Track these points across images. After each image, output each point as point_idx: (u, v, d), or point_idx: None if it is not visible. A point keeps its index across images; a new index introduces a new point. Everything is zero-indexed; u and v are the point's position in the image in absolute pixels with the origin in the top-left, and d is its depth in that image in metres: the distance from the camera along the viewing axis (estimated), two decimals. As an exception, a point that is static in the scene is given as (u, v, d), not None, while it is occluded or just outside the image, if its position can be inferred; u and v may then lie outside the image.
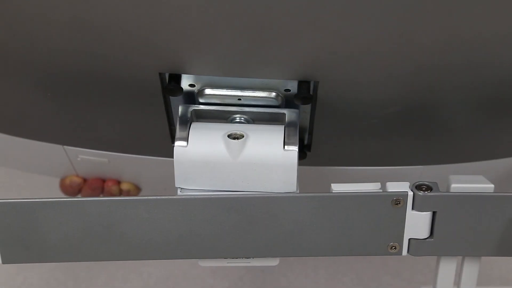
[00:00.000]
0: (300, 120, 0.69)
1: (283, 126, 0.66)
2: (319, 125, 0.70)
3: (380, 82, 0.66)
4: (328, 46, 0.62)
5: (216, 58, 0.64)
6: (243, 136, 0.64)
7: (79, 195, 0.93)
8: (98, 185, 0.91)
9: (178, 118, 0.66)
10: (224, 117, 0.68)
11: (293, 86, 0.66)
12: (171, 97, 0.68)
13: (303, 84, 0.65)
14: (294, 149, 0.64)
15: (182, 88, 0.66)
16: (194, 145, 0.64)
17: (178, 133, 0.65)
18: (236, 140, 0.64)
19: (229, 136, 0.64)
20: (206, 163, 0.64)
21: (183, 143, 0.64)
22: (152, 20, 0.62)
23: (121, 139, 0.77)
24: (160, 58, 0.64)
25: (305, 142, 0.72)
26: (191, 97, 0.68)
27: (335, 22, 0.60)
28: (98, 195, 0.91)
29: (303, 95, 0.65)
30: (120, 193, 0.92)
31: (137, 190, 0.92)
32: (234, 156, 0.64)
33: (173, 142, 0.68)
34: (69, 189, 0.92)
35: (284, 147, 0.64)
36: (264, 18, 0.60)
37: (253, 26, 0.61)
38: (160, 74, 0.65)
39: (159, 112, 0.70)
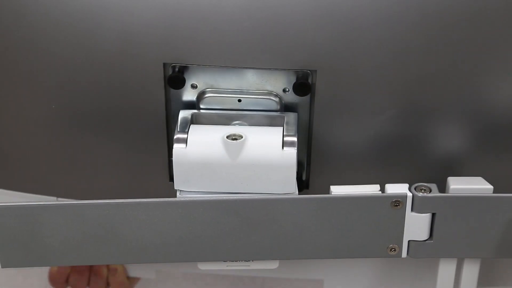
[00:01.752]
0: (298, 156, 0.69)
1: (282, 127, 0.66)
2: (316, 147, 0.71)
3: (376, 74, 0.66)
4: (325, 35, 0.63)
5: (218, 48, 0.65)
6: (242, 137, 0.65)
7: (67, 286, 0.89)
8: (86, 267, 0.88)
9: (178, 122, 0.66)
10: (223, 123, 0.68)
11: (290, 85, 0.67)
12: (172, 107, 0.69)
13: (301, 74, 0.66)
14: (293, 150, 0.64)
15: (184, 79, 0.66)
16: (193, 146, 0.64)
17: (177, 135, 0.65)
18: (234, 141, 0.64)
19: (227, 137, 0.65)
20: (205, 164, 0.64)
21: (182, 145, 0.64)
22: (157, 12, 0.63)
23: (117, 189, 0.76)
24: (164, 49, 0.65)
25: (303, 177, 0.72)
26: (192, 106, 0.69)
27: (330, 13, 0.62)
28: (86, 279, 0.89)
29: (301, 81, 0.66)
30: (108, 272, 0.89)
31: (125, 269, 0.90)
32: (233, 157, 0.64)
33: (171, 180, 0.69)
34: (57, 276, 0.88)
35: (282, 148, 0.64)
36: (262, 9, 0.62)
37: (253, 16, 0.62)
38: (164, 64, 0.66)
39: (159, 139, 0.70)
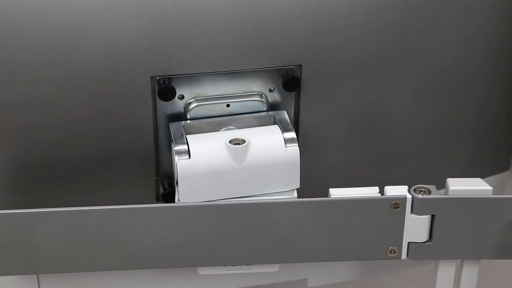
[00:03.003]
0: None
1: (276, 125, 0.67)
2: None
3: (358, 61, 0.68)
4: (307, 29, 0.65)
5: (203, 54, 0.65)
6: (244, 141, 0.64)
7: None
8: None
9: (172, 135, 0.66)
10: (215, 131, 0.68)
11: (276, 84, 0.68)
12: (160, 126, 0.68)
13: (287, 70, 0.67)
14: (295, 146, 0.65)
15: (175, 90, 0.66)
16: (197, 156, 0.64)
17: (177, 147, 0.64)
18: (239, 146, 0.64)
19: (230, 142, 0.64)
20: (211, 173, 0.64)
21: (185, 156, 0.64)
22: (141, 26, 0.63)
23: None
24: (150, 62, 0.65)
25: None
26: (178, 117, 0.68)
27: (311, 7, 0.64)
28: None
29: (291, 76, 0.67)
30: None
31: None
32: (238, 162, 0.64)
33: (159, 199, 0.68)
34: None
35: (285, 145, 0.64)
36: (244, 10, 0.64)
37: (235, 18, 0.64)
38: (152, 77, 0.65)
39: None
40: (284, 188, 0.65)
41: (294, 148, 0.65)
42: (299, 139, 0.70)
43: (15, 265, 0.66)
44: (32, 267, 0.66)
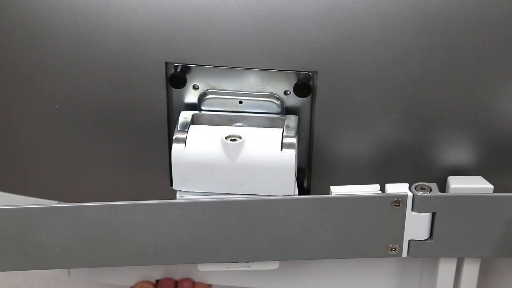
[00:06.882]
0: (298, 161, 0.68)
1: (281, 129, 0.66)
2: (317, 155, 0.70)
3: (378, 76, 0.66)
4: (327, 36, 0.64)
5: (220, 48, 0.65)
6: (240, 138, 0.64)
7: None
8: (171, 285, 0.84)
9: (178, 122, 0.66)
10: (224, 125, 0.68)
11: (292, 88, 0.67)
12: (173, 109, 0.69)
13: (302, 75, 0.66)
14: (292, 151, 0.64)
15: (185, 78, 0.66)
16: (192, 146, 0.64)
17: (176, 134, 0.65)
18: (233, 142, 0.64)
19: (226, 138, 0.64)
20: (203, 165, 0.64)
21: (181, 144, 0.64)
22: (160, 11, 0.64)
23: (118, 192, 0.74)
24: (166, 48, 0.65)
25: (305, 184, 0.72)
26: (193, 107, 0.69)
27: (332, 15, 0.63)
28: None
29: (302, 82, 0.66)
30: None
31: None
32: (231, 158, 0.64)
33: (172, 184, 0.68)
34: None
35: (281, 149, 0.64)
36: (264, 9, 0.63)
37: (255, 17, 0.63)
38: (166, 64, 0.66)
39: (162, 143, 0.70)
40: (277, 193, 0.65)
41: (290, 154, 0.64)
42: (312, 148, 0.69)
43: (18, 260, 0.66)
44: (35, 263, 0.66)
